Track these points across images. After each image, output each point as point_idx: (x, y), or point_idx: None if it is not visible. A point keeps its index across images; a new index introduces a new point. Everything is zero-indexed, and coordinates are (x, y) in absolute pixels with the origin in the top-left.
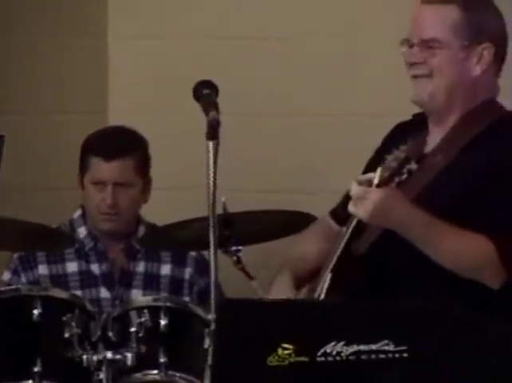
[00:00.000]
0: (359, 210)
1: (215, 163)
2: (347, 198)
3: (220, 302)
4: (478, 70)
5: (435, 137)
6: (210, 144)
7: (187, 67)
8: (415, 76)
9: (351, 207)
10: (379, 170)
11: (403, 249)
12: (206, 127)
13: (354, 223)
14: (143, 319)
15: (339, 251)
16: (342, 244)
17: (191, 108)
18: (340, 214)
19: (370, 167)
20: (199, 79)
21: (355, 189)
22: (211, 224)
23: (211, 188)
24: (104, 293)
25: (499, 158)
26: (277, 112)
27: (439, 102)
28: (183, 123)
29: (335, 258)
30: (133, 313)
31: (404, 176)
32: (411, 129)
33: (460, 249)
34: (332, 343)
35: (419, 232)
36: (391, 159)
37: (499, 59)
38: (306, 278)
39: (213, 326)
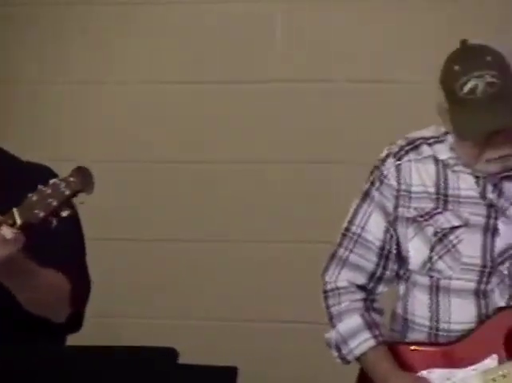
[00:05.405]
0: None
1: None
2: None
3: None
4: None
5: None
6: None
7: None
8: None
9: None
10: (16, 211)
11: None
12: None
13: None
14: None
15: None
16: None
17: None
18: None
19: None
20: None
21: (5, 231)
22: None
23: None
24: None
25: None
26: None
27: None
28: None
29: None
30: None
31: (66, 213)
32: None
33: (39, 287)
34: None
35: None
36: (42, 198)
37: None
38: None
39: None
